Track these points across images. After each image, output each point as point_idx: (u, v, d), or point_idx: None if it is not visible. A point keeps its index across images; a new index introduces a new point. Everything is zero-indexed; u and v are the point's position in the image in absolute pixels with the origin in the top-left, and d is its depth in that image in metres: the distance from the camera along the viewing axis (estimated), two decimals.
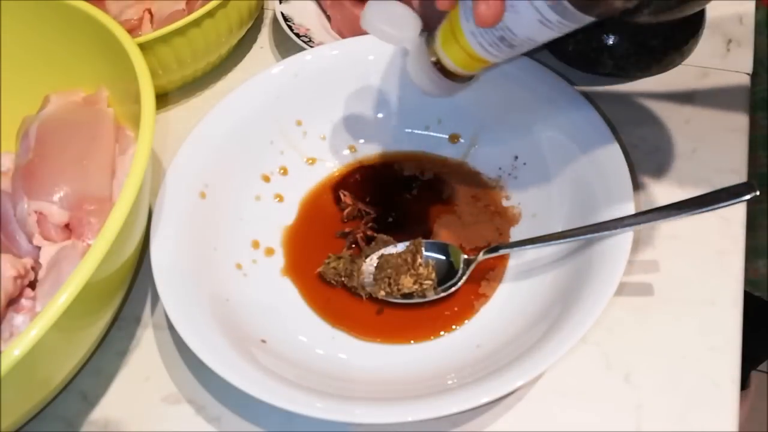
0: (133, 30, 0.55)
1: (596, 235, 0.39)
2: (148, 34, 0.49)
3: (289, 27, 0.56)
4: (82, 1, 0.45)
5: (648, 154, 0.48)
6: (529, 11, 0.32)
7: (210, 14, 0.51)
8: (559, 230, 0.41)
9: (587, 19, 0.32)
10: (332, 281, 0.44)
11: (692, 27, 0.53)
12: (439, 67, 0.40)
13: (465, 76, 0.40)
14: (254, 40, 0.61)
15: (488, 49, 0.36)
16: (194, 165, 0.45)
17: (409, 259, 0.43)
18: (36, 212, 0.41)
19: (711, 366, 0.38)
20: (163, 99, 0.57)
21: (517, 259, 0.44)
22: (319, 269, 0.45)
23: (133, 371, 0.42)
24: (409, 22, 0.40)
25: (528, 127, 0.47)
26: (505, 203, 0.47)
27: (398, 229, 0.47)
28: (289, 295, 0.45)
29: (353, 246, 0.46)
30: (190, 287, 0.40)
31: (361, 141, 0.51)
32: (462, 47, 0.37)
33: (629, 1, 0.30)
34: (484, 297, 0.43)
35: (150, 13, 0.57)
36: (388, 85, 0.50)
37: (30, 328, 0.30)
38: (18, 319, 0.40)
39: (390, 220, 0.47)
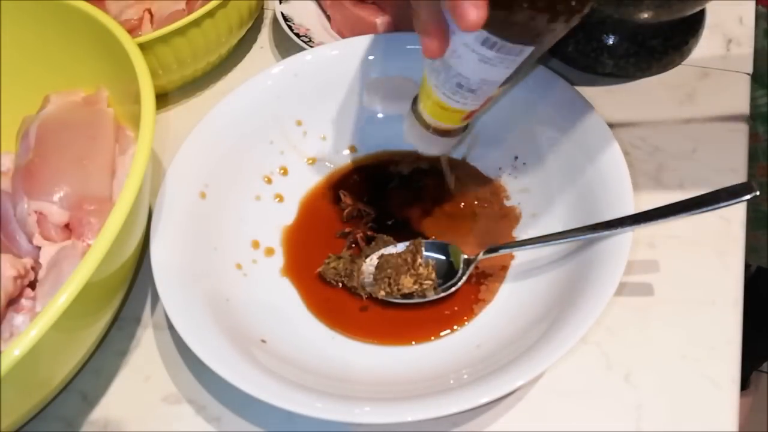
0: (133, 30, 0.55)
1: (596, 235, 0.39)
2: (148, 34, 0.49)
3: (289, 27, 0.56)
4: (82, 1, 0.45)
5: (648, 154, 0.48)
6: (467, 53, 0.34)
7: (210, 14, 0.51)
8: (559, 230, 0.41)
9: (523, 50, 0.33)
10: (332, 281, 0.44)
11: (692, 27, 0.53)
12: (428, 127, 0.41)
13: (455, 129, 0.42)
14: (254, 40, 0.61)
15: (453, 97, 0.37)
16: (194, 165, 0.45)
17: (409, 259, 0.43)
18: (36, 212, 0.41)
19: (711, 366, 0.38)
20: (163, 99, 0.57)
21: (516, 260, 0.44)
22: (319, 269, 0.45)
23: (133, 371, 0.42)
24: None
25: (528, 127, 0.47)
26: (505, 203, 0.47)
27: (398, 229, 0.47)
28: (289, 295, 0.45)
29: (353, 246, 0.46)
30: (190, 287, 0.40)
31: (361, 141, 0.51)
32: (435, 102, 0.39)
33: (553, 22, 0.31)
34: (483, 301, 0.43)
35: (150, 13, 0.57)
36: None
37: (30, 328, 0.30)
38: (18, 319, 0.40)
39: (390, 222, 0.47)
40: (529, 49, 0.33)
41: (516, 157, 0.48)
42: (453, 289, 0.43)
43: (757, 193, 0.36)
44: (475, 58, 0.34)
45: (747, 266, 0.78)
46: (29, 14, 0.47)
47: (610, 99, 0.51)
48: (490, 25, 0.30)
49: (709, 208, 0.37)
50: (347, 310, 0.43)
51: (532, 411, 0.38)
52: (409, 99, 0.43)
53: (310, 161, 0.51)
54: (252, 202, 0.48)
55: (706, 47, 0.54)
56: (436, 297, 0.43)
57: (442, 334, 0.42)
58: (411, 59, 0.49)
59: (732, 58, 0.53)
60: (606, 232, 0.38)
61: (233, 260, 0.45)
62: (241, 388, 0.35)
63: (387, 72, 0.50)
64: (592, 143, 0.43)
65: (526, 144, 0.47)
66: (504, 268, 0.44)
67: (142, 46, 0.45)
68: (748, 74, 0.52)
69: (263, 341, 0.40)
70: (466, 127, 0.42)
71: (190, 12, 0.53)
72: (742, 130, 0.48)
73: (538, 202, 0.46)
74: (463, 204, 0.48)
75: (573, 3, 0.30)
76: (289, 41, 0.55)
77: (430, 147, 0.43)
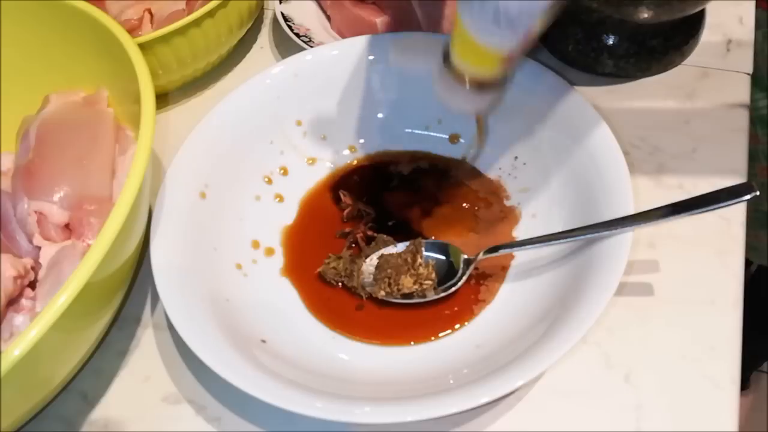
0: (133, 30, 0.55)
1: (596, 235, 0.39)
2: (148, 34, 0.49)
3: (289, 27, 0.56)
4: (82, 1, 0.45)
5: (648, 154, 0.48)
6: None
7: (210, 14, 0.51)
8: (559, 230, 0.41)
9: None
10: (332, 281, 0.44)
11: (692, 27, 0.53)
12: (464, 79, 0.38)
13: (492, 81, 0.39)
14: (254, 40, 0.61)
15: (490, 31, 0.34)
16: (194, 165, 0.45)
17: (409, 259, 0.43)
18: (36, 212, 0.41)
19: (711, 366, 0.38)
20: (163, 99, 0.57)
21: (516, 260, 0.44)
22: (319, 269, 0.45)
23: (133, 371, 0.42)
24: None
25: (528, 127, 0.47)
26: (505, 203, 0.47)
27: (398, 229, 0.47)
28: (289, 295, 0.45)
29: (353, 246, 0.46)
30: (190, 287, 0.40)
31: (361, 141, 0.51)
32: (470, 44, 0.36)
33: None
34: (483, 302, 0.43)
35: (150, 13, 0.57)
36: (388, 85, 0.50)
37: (30, 329, 0.30)
38: (18, 319, 0.40)
39: (391, 223, 0.47)
40: None
41: (516, 157, 0.48)
42: (453, 289, 0.43)
43: (758, 193, 0.36)
44: None
45: (747, 264, 0.78)
46: (29, 14, 0.47)
47: (610, 99, 0.51)
48: None
49: (709, 208, 0.37)
50: (347, 311, 0.43)
51: (532, 411, 0.38)
52: (436, 55, 0.40)
53: (310, 161, 0.51)
54: (252, 202, 0.48)
55: (706, 47, 0.54)
56: (436, 297, 0.43)
57: (441, 334, 0.42)
58: (412, 59, 0.49)
59: (732, 58, 0.53)
60: (606, 232, 0.38)
61: (233, 260, 0.45)
62: (241, 388, 0.35)
63: (388, 73, 0.50)
64: (591, 143, 0.43)
65: (526, 144, 0.47)
66: (504, 268, 0.44)
67: (142, 46, 0.45)
68: (748, 74, 0.52)
69: (263, 341, 0.40)
70: (503, 82, 0.39)
71: (190, 12, 0.53)
72: (742, 130, 0.48)
73: (538, 202, 0.46)
74: (463, 204, 0.48)
75: None
76: (289, 41, 0.55)
77: (464, 104, 0.40)
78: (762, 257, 0.78)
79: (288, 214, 0.48)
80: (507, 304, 0.42)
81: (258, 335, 0.40)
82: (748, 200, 0.37)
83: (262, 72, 0.49)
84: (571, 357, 0.39)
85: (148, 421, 0.40)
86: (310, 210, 0.49)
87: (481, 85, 0.39)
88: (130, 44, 0.42)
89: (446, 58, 0.39)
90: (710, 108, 0.50)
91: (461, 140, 0.50)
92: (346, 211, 0.48)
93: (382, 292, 0.43)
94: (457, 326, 0.42)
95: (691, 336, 0.40)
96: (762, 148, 0.68)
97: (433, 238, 0.46)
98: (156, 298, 0.44)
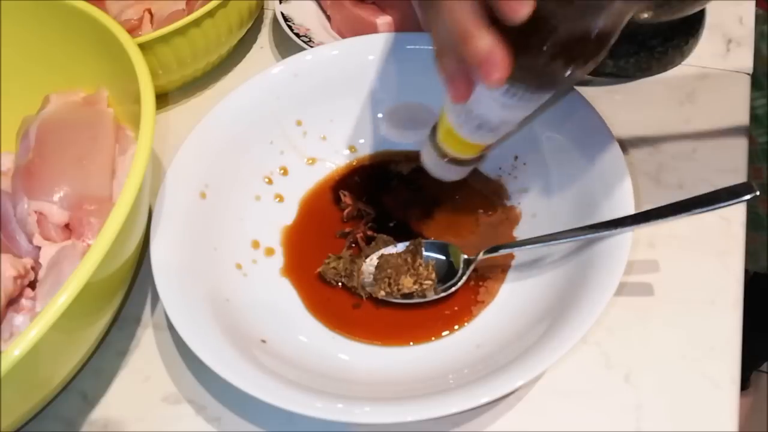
0: (133, 30, 0.55)
1: (596, 235, 0.39)
2: (148, 34, 0.49)
3: (289, 27, 0.56)
4: (82, 1, 0.45)
5: (648, 154, 0.48)
6: (489, 100, 0.34)
7: (210, 14, 0.51)
8: (559, 230, 0.41)
9: (544, 96, 0.34)
10: (332, 281, 0.44)
11: (692, 27, 0.53)
12: (445, 156, 0.42)
13: (472, 159, 0.42)
14: (254, 40, 0.61)
15: (474, 135, 0.38)
16: (194, 165, 0.45)
17: (409, 259, 0.43)
18: (36, 212, 0.41)
19: (711, 366, 0.38)
20: (163, 99, 0.57)
21: (516, 260, 0.44)
22: (319, 269, 0.45)
23: (133, 371, 0.42)
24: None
25: (528, 127, 0.47)
26: (505, 203, 0.47)
27: (398, 229, 0.47)
28: (289, 295, 0.45)
29: (353, 246, 0.46)
30: (190, 287, 0.40)
31: (361, 141, 0.51)
32: (454, 137, 0.39)
33: (573, 72, 0.31)
34: (483, 302, 0.43)
35: (150, 13, 0.57)
36: (388, 85, 0.50)
37: (30, 329, 0.30)
38: (18, 319, 0.40)
39: (392, 224, 0.47)
40: (549, 94, 0.34)
41: (516, 157, 0.48)
42: (453, 289, 0.43)
43: (757, 193, 0.36)
44: (497, 105, 0.34)
45: (745, 271, 0.78)
46: (29, 14, 0.47)
47: (610, 99, 0.51)
48: (513, 78, 0.31)
49: (709, 208, 0.37)
50: (347, 311, 0.43)
51: (532, 411, 0.38)
52: (426, 127, 0.43)
53: (310, 161, 0.51)
54: (252, 202, 0.48)
55: (706, 47, 0.54)
56: (435, 297, 0.43)
57: (442, 334, 0.42)
58: (411, 59, 0.49)
59: (732, 58, 0.53)
60: (606, 232, 0.38)
61: (233, 260, 0.45)
62: (241, 388, 0.35)
63: (388, 73, 0.50)
64: (592, 143, 0.43)
65: (526, 144, 0.47)
66: (504, 269, 0.44)
67: (142, 46, 0.45)
68: (748, 74, 0.52)
69: (263, 341, 0.40)
70: (481, 157, 0.43)
71: (190, 12, 0.53)
72: (742, 130, 0.48)
73: (538, 202, 0.46)
74: (463, 204, 0.48)
75: (591, 50, 0.31)
76: (289, 41, 0.55)
77: (446, 174, 0.44)
78: (761, 262, 0.78)
79: (288, 214, 0.48)
80: (507, 304, 0.42)
81: (258, 335, 0.40)
82: (748, 200, 0.37)
83: (262, 72, 0.49)
84: (571, 357, 0.39)
85: (148, 421, 0.40)
86: (310, 210, 0.49)
87: (460, 162, 0.42)
88: (130, 44, 0.42)
89: (432, 134, 0.42)
90: (710, 108, 0.50)
91: None
92: (346, 211, 0.48)
93: (382, 292, 0.43)
94: (456, 326, 0.42)
95: (691, 336, 0.40)
96: (761, 149, 0.68)
97: (433, 238, 0.46)
98: (156, 298, 0.44)
